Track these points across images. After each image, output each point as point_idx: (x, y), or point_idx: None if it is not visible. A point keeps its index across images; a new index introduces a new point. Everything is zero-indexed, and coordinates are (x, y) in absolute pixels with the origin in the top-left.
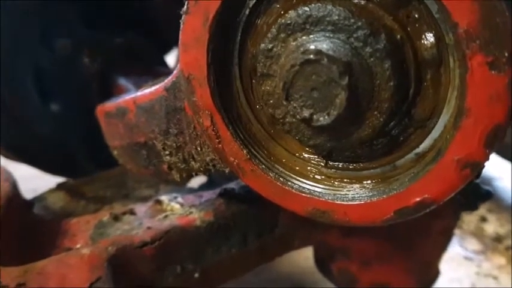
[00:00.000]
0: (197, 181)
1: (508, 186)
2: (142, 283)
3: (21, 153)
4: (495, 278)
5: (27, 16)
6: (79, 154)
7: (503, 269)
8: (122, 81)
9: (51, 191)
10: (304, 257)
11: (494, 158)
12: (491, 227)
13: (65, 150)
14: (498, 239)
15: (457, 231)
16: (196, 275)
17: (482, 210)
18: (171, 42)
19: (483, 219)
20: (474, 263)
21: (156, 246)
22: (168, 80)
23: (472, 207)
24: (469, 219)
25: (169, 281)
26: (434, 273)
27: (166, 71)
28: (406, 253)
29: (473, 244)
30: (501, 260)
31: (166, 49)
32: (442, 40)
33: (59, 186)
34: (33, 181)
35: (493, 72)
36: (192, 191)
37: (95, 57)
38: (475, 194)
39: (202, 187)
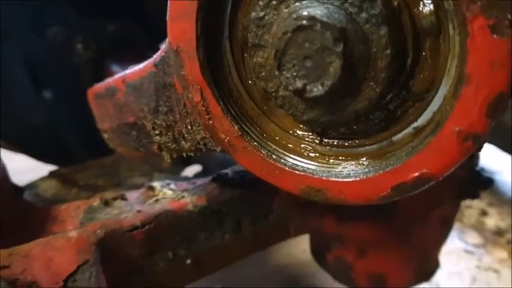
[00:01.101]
0: (192, 170)
1: (508, 180)
2: (132, 268)
3: (14, 141)
4: (496, 271)
5: (18, 3)
6: (72, 142)
7: (504, 263)
8: (115, 68)
9: (43, 178)
10: (302, 249)
11: (494, 151)
12: (492, 221)
13: (57, 138)
14: (499, 232)
15: (457, 225)
16: (189, 261)
17: (482, 203)
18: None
19: (484, 213)
20: (475, 257)
21: (146, 230)
22: (157, 55)
23: (473, 195)
24: (469, 212)
25: (160, 267)
26: (434, 265)
27: None
28: (404, 243)
29: (474, 238)
30: (502, 254)
31: (160, 36)
32: (441, 7)
33: (51, 174)
34: (28, 173)
35: (494, 36)
36: (186, 179)
37: (88, 44)
38: (476, 181)
39: (197, 176)
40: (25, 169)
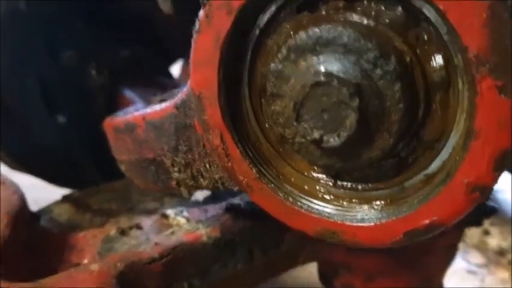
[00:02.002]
0: (202, 193)
1: (509, 199)
2: None
3: (27, 164)
4: None
5: (35, 27)
6: (84, 166)
7: (506, 283)
8: (128, 93)
9: (57, 203)
10: (309, 272)
11: None
12: (494, 241)
13: (70, 161)
14: (501, 252)
15: (460, 245)
16: None
17: (485, 223)
18: (176, 53)
19: (486, 233)
20: (477, 277)
21: (163, 262)
22: (178, 98)
23: (476, 223)
24: (472, 232)
25: None
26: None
27: (171, 82)
28: (410, 269)
29: (477, 258)
30: (504, 274)
31: (171, 60)
32: (451, 62)
33: (65, 199)
34: (33, 191)
35: (502, 96)
36: (197, 203)
37: (101, 69)
38: (480, 209)
39: (207, 200)
40: (29, 186)
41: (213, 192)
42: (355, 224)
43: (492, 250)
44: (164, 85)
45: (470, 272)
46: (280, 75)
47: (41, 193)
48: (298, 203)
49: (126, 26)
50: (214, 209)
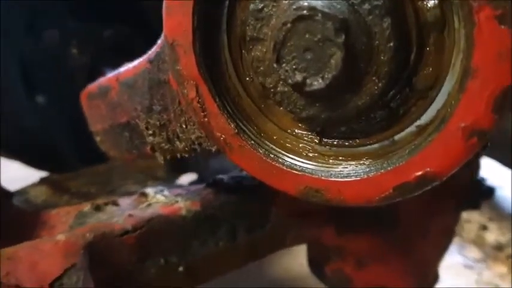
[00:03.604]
0: (187, 179)
1: (509, 195)
2: (122, 274)
3: (6, 146)
4: (496, 286)
5: (13, 5)
6: (65, 148)
7: (504, 278)
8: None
9: (34, 185)
10: (299, 263)
11: (494, 166)
12: (492, 236)
13: (50, 144)
14: (499, 247)
15: (457, 240)
16: (181, 268)
17: (482, 218)
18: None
19: (484, 228)
20: (474, 272)
21: (137, 235)
22: (152, 52)
23: (474, 205)
24: (469, 227)
25: (151, 274)
26: (433, 277)
27: None
28: (404, 254)
29: (474, 252)
30: (502, 269)
31: (157, 41)
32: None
33: (42, 181)
34: (21, 183)
35: (502, 26)
36: (181, 187)
37: (83, 49)
38: (477, 191)
39: (193, 184)
40: (17, 178)
41: (199, 177)
42: (340, 180)
43: (490, 245)
44: None
45: (467, 266)
46: (261, 16)
47: None
48: (280, 160)
49: (110, 4)
50: (196, 187)
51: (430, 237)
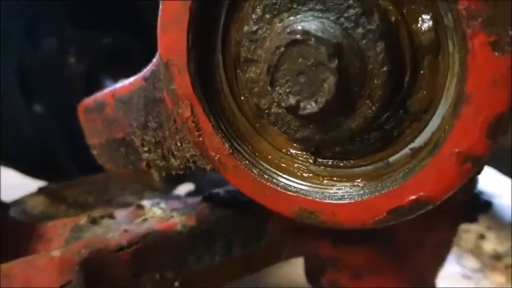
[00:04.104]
0: (184, 189)
1: (507, 204)
2: None
3: (3, 155)
4: None
5: (12, 13)
6: (63, 157)
7: None
8: (109, 83)
9: (31, 195)
10: (296, 272)
11: (493, 174)
12: (490, 245)
13: (47, 152)
14: (497, 257)
15: (455, 249)
16: (177, 283)
17: (481, 227)
18: None
19: (482, 237)
20: (472, 282)
21: (132, 250)
22: (147, 69)
23: (471, 218)
24: (467, 236)
25: None
26: None
27: None
28: (400, 266)
29: (472, 262)
30: (500, 279)
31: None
32: (441, 23)
33: (39, 191)
34: (18, 190)
35: (496, 53)
36: (178, 198)
37: (81, 57)
38: (474, 204)
39: (189, 195)
40: (14, 186)
41: (196, 188)
42: (334, 202)
43: (488, 254)
44: None
45: (465, 276)
46: (255, 38)
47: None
48: (274, 180)
49: (109, 12)
50: (193, 200)
51: (426, 250)
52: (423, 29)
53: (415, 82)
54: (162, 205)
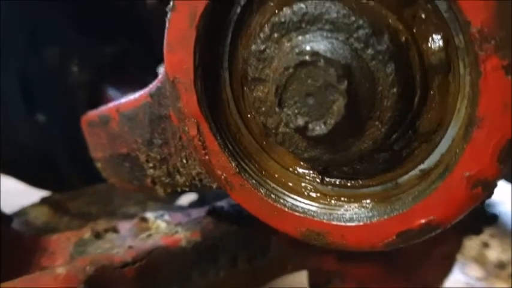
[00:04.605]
0: (187, 198)
1: (510, 211)
2: None
3: (5, 164)
4: None
5: (14, 21)
6: (65, 167)
7: None
8: (112, 92)
9: (34, 205)
10: (299, 282)
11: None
12: (494, 253)
13: (50, 162)
14: (501, 265)
15: (458, 257)
16: None
17: (484, 235)
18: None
19: (485, 245)
20: None
21: (137, 267)
22: (152, 85)
23: (476, 231)
24: (471, 244)
25: None
26: None
27: None
28: (406, 278)
29: (475, 270)
30: None
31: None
32: (451, 43)
33: (42, 201)
34: (20, 196)
35: (509, 77)
36: (181, 208)
37: (84, 66)
38: (480, 217)
39: (193, 205)
40: (16, 192)
41: (200, 197)
42: (343, 224)
43: (491, 263)
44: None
45: (468, 285)
46: (262, 57)
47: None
48: (281, 201)
49: (111, 20)
50: (198, 213)
51: (431, 262)
52: (433, 48)
53: (425, 102)
54: (166, 217)
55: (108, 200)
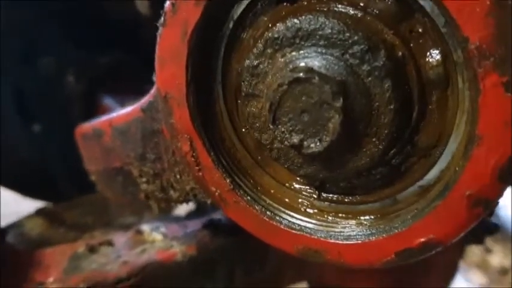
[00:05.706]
0: (184, 208)
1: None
2: None
3: (1, 176)
4: None
5: (10, 33)
6: (60, 177)
7: None
8: (108, 101)
9: (30, 216)
10: None
11: None
12: (497, 259)
13: (45, 173)
14: (503, 271)
15: (460, 263)
16: None
17: (487, 240)
18: None
19: (488, 250)
20: None
21: (132, 283)
22: (144, 100)
23: (478, 240)
24: (473, 250)
25: None
26: None
27: None
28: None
29: (478, 276)
30: None
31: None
32: (450, 58)
33: (38, 212)
34: (16, 204)
35: (509, 94)
36: (178, 219)
37: (80, 76)
38: (481, 226)
39: (190, 215)
40: (11, 200)
41: (197, 207)
42: (340, 242)
43: (494, 269)
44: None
45: None
46: (256, 72)
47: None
48: (277, 217)
49: (107, 31)
50: (194, 225)
51: (433, 271)
52: (431, 63)
53: (423, 117)
54: (162, 229)
55: (104, 210)
